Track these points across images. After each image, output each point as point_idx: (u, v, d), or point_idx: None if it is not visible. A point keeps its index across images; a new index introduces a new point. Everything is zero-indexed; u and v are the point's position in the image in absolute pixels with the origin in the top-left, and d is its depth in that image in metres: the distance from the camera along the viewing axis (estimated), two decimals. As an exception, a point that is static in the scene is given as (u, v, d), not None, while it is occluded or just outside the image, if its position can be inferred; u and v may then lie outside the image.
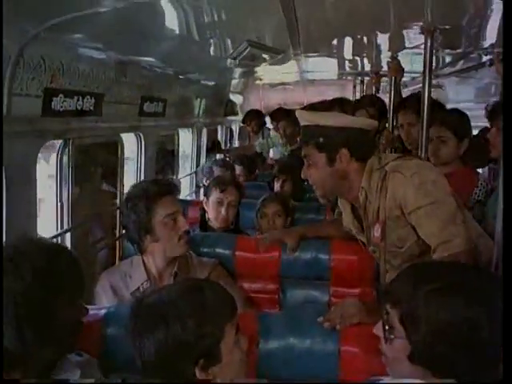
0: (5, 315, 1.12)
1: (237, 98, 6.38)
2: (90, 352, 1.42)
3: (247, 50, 2.73)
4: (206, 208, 2.69)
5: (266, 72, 4.59)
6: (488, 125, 2.69)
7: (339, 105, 3.44)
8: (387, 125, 3.40)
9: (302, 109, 2.19)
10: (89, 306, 1.37)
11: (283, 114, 5.00)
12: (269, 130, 5.56)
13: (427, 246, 1.75)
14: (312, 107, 3.91)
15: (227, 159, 5.31)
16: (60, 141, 2.40)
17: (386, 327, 1.14)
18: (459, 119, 2.56)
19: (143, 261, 1.94)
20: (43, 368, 1.25)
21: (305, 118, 1.91)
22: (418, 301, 1.08)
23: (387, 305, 1.15)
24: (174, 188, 1.99)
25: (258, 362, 1.50)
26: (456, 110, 2.70)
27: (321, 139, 1.83)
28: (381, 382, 1.29)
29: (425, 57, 2.45)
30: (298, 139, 3.95)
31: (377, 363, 1.36)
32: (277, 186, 3.55)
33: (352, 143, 1.83)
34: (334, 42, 3.03)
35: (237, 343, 1.25)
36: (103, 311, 1.60)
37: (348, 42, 3.05)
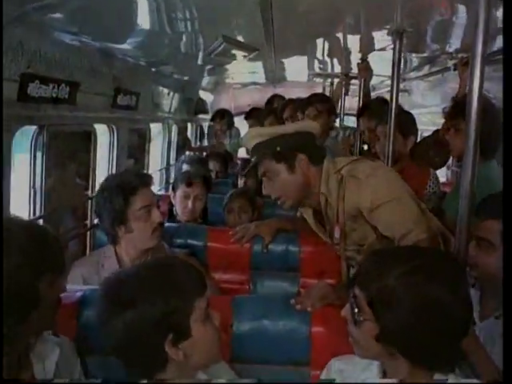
0: None
1: (207, 97, 6.40)
2: (65, 334, 1.44)
3: (222, 45, 2.76)
4: (173, 202, 2.74)
5: (237, 71, 4.63)
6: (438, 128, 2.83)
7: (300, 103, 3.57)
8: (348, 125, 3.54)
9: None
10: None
11: (254, 115, 5.06)
12: (237, 129, 5.60)
13: (388, 242, 1.83)
14: (285, 104, 4.00)
15: (197, 157, 5.34)
16: (34, 127, 2.39)
17: (355, 310, 1.17)
18: (404, 118, 2.69)
19: (115, 251, 1.94)
20: (24, 345, 1.26)
21: (258, 135, 1.97)
22: (386, 283, 1.11)
23: (355, 288, 1.18)
24: (150, 180, 2.01)
25: (232, 344, 1.54)
26: (401, 110, 2.81)
27: (278, 148, 1.90)
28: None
29: (393, 59, 2.55)
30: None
31: (347, 344, 1.42)
32: (240, 182, 3.60)
33: (307, 147, 1.92)
34: (307, 42, 3.10)
35: (208, 318, 1.24)
36: (78, 294, 1.61)
37: (320, 42, 3.12)
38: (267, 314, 1.57)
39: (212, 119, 5.72)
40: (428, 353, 1.11)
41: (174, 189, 2.76)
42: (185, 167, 3.88)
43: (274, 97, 5.62)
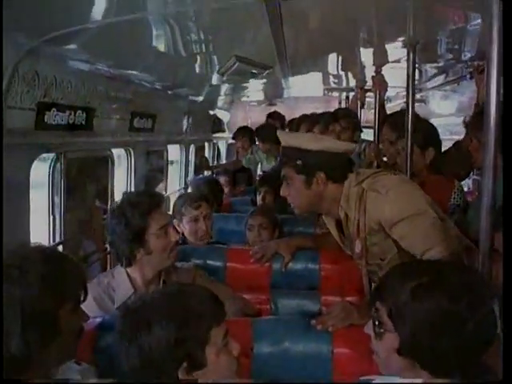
0: (10, 321, 1.12)
1: (223, 115, 6.44)
2: (83, 360, 1.43)
3: (235, 65, 2.78)
4: (178, 229, 2.62)
5: (252, 89, 4.66)
6: (461, 138, 2.78)
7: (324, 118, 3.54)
8: (362, 137, 3.50)
9: (290, 122, 2.25)
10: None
11: (261, 131, 5.07)
12: (257, 147, 5.61)
13: (410, 257, 1.78)
14: (300, 120, 4.00)
15: (214, 175, 5.37)
16: (52, 154, 2.42)
17: (376, 323, 1.17)
18: (421, 129, 2.63)
19: (127, 273, 1.92)
20: (46, 374, 1.25)
21: (284, 140, 1.96)
22: (404, 295, 1.11)
23: (377, 302, 1.18)
24: (163, 200, 2.01)
25: (253, 367, 1.52)
26: (419, 120, 2.76)
27: (299, 162, 1.88)
28: (374, 381, 1.33)
29: (408, 70, 2.52)
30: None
31: (369, 364, 1.39)
32: (259, 198, 3.59)
33: (329, 167, 1.88)
34: (320, 57, 3.10)
35: (224, 348, 1.23)
36: (98, 320, 1.61)
37: (333, 57, 3.12)
38: (288, 335, 1.55)
39: (234, 137, 5.73)
40: (450, 367, 1.10)
41: (176, 217, 2.67)
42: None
43: (270, 116, 5.68)
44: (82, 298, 1.30)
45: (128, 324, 1.23)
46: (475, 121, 2.38)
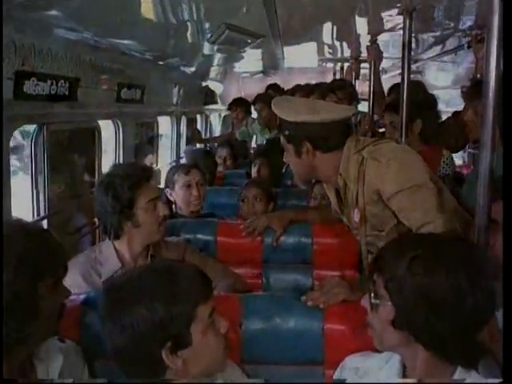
0: None
1: (216, 87, 6.33)
2: (70, 338, 1.41)
3: (225, 33, 2.69)
4: (171, 198, 2.67)
5: (246, 60, 4.56)
6: (459, 109, 2.73)
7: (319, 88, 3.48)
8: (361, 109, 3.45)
9: (284, 93, 2.21)
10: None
11: (262, 99, 4.97)
12: (253, 119, 5.53)
13: (408, 230, 1.75)
14: (294, 90, 3.95)
15: (208, 148, 5.30)
16: (34, 126, 2.34)
17: (372, 295, 1.16)
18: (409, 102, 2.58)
19: (115, 247, 1.89)
20: (28, 352, 1.24)
21: (275, 111, 1.92)
22: (401, 266, 1.10)
23: (374, 273, 1.17)
24: (153, 173, 1.96)
25: (242, 344, 1.49)
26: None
27: (286, 132, 1.88)
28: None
29: (403, 38, 2.45)
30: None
31: (361, 340, 1.37)
32: (254, 171, 3.54)
33: (314, 137, 1.84)
34: (313, 27, 3.03)
35: (211, 326, 1.20)
36: (82, 297, 1.57)
37: (327, 27, 3.05)
38: (278, 311, 1.51)
39: (229, 108, 5.66)
40: (445, 342, 1.08)
41: (169, 184, 2.68)
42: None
43: (270, 86, 5.61)
44: (61, 274, 1.27)
45: (111, 302, 1.19)
46: (472, 91, 2.34)
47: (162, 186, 3.48)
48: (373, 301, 1.16)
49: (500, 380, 1.05)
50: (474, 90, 2.33)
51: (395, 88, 3.18)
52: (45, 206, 2.41)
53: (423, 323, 1.07)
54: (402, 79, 2.48)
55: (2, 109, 1.78)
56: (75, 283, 1.71)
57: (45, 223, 2.42)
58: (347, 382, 1.35)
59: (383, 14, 2.58)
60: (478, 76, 2.58)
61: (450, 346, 1.08)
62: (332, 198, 2.08)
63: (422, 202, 1.71)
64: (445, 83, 5.29)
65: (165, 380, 1.18)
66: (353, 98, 3.52)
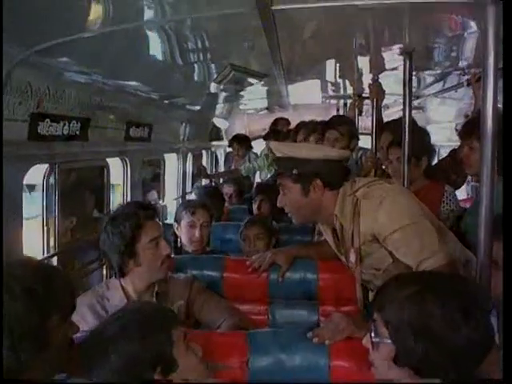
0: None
1: (222, 123, 6.43)
2: (78, 375, 1.41)
3: (231, 74, 2.77)
4: (177, 233, 2.71)
5: (250, 97, 4.65)
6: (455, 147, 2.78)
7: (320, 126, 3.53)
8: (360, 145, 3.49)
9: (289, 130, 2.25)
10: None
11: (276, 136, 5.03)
12: (255, 154, 5.59)
13: (405, 267, 1.76)
14: (298, 127, 4.00)
15: (213, 184, 5.35)
16: (46, 165, 2.40)
17: (373, 334, 1.18)
18: (417, 139, 2.62)
19: (121, 284, 1.91)
20: None
21: (279, 150, 1.95)
22: (398, 303, 1.13)
23: (374, 312, 1.20)
24: (157, 211, 1.99)
25: (249, 380, 1.49)
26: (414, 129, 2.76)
27: (295, 171, 1.88)
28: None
29: (404, 77, 2.51)
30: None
31: (367, 376, 1.37)
32: (255, 207, 3.57)
33: (325, 174, 1.88)
34: (317, 65, 3.09)
35: (189, 349, 1.33)
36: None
37: (330, 65, 3.11)
38: (284, 348, 1.53)
39: (230, 144, 5.73)
40: (447, 375, 1.10)
41: (177, 220, 2.72)
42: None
43: (278, 120, 5.66)
44: (70, 310, 1.30)
45: (93, 346, 1.31)
46: (466, 128, 2.39)
47: (167, 221, 3.53)
48: (373, 339, 1.18)
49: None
50: (467, 127, 2.40)
51: (398, 123, 3.23)
52: (55, 243, 2.45)
53: (423, 358, 1.09)
54: (404, 116, 2.53)
55: (1, 135, 1.82)
56: (83, 318, 1.76)
57: (54, 260, 2.45)
58: None
59: (384, 54, 2.65)
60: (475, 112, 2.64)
61: (452, 377, 1.10)
62: (329, 239, 2.10)
63: (419, 239, 1.73)
64: (446, 118, 5.35)
65: (165, 380, 1.26)
66: (353, 135, 3.53)
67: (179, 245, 2.72)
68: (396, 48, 2.43)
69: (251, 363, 1.50)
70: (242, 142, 5.56)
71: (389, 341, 1.15)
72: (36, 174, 2.33)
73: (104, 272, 2.97)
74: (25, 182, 2.11)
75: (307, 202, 1.90)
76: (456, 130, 2.60)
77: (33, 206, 2.49)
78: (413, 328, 1.10)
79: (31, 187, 2.48)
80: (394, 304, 1.14)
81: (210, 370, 1.38)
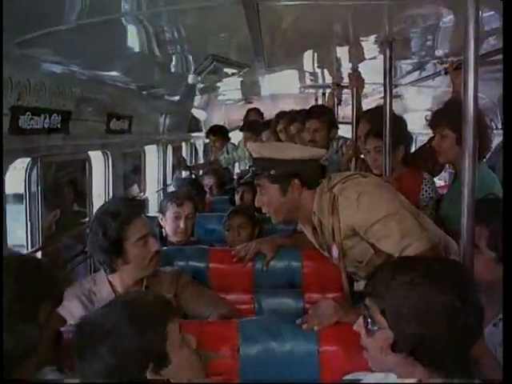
0: None
1: (200, 114, 6.40)
2: (70, 369, 1.41)
3: (212, 64, 2.76)
4: (162, 224, 2.72)
5: (229, 88, 4.64)
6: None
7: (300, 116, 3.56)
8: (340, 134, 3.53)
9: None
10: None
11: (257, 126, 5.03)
12: (232, 145, 5.58)
13: (387, 257, 1.79)
14: (278, 116, 4.00)
15: (193, 175, 5.33)
16: (28, 159, 2.37)
17: (368, 321, 1.18)
18: (392, 127, 2.66)
19: (108, 279, 1.90)
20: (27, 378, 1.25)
21: (256, 151, 1.97)
22: (397, 291, 1.13)
23: (367, 299, 1.19)
24: (143, 208, 1.98)
25: (240, 368, 1.51)
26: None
27: (272, 171, 1.90)
28: (362, 381, 1.33)
29: (385, 67, 2.54)
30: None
31: (357, 360, 1.40)
32: (237, 198, 3.58)
33: (303, 173, 1.90)
34: (296, 55, 3.10)
35: (183, 342, 1.31)
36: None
37: (309, 55, 3.12)
38: (274, 336, 1.55)
39: (207, 136, 5.72)
40: (444, 358, 1.12)
41: (162, 211, 2.73)
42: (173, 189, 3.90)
43: (250, 111, 5.74)
44: (57, 303, 1.32)
45: (85, 337, 1.27)
46: (436, 117, 2.44)
47: (149, 214, 3.52)
48: (369, 327, 1.18)
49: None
50: (437, 116, 2.45)
51: (375, 112, 3.24)
52: (39, 237, 2.43)
53: (424, 345, 1.10)
54: (385, 105, 2.56)
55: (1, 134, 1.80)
56: (72, 312, 1.74)
57: (39, 254, 2.43)
58: None
59: (363, 44, 2.67)
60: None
61: (448, 360, 1.12)
62: (310, 236, 2.12)
63: (398, 228, 1.76)
64: (424, 106, 5.43)
65: (164, 380, 1.25)
66: (332, 124, 3.56)
67: (164, 235, 2.72)
68: (376, 38, 2.45)
69: (242, 351, 1.53)
70: (217, 133, 5.55)
71: (387, 329, 1.14)
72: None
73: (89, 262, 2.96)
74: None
75: (285, 201, 1.92)
76: (426, 119, 2.64)
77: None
78: (412, 315, 1.11)
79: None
80: (390, 292, 1.14)
81: (202, 359, 1.39)
